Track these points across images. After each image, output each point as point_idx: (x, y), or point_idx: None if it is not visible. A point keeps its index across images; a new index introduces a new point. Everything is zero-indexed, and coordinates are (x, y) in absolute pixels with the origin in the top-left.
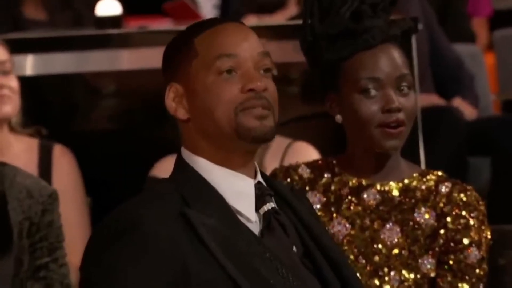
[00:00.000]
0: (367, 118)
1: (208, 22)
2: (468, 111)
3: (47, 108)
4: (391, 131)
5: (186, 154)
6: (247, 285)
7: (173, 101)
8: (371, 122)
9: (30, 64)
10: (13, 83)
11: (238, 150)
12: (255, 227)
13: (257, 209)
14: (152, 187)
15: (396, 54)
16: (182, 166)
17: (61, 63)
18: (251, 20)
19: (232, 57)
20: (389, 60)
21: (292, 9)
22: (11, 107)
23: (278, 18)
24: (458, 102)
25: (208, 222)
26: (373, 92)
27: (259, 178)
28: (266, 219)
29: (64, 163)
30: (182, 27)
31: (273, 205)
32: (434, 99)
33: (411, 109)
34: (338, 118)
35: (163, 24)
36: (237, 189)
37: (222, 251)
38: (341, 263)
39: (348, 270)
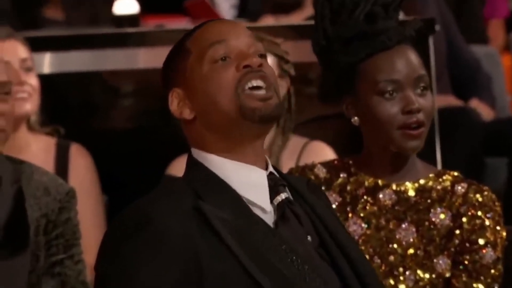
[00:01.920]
0: (388, 120)
1: (197, 26)
2: (485, 112)
3: (64, 106)
4: (413, 132)
5: (196, 153)
6: (262, 278)
7: (177, 105)
8: (391, 124)
9: (47, 62)
10: (34, 81)
11: (247, 135)
12: (269, 218)
13: (271, 200)
14: (165, 184)
15: (412, 55)
16: (193, 165)
17: (79, 61)
18: (268, 20)
19: (223, 42)
20: (406, 61)
21: (309, 10)
22: (31, 105)
23: (295, 19)
24: (475, 103)
25: (222, 215)
26: (392, 94)
27: (271, 169)
28: (280, 209)
29: (80, 162)
30: None
31: (287, 195)
32: (451, 100)
33: (430, 109)
34: (355, 120)
35: (181, 23)
36: (250, 181)
37: (236, 243)
38: (357, 257)
39: (365, 264)
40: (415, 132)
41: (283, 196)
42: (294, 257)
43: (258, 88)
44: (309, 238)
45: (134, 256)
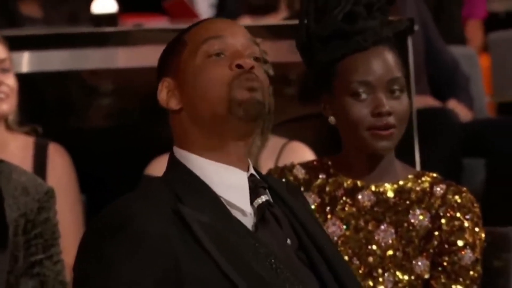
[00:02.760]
0: (357, 121)
1: (198, 22)
2: (463, 113)
3: (42, 105)
4: (381, 132)
5: (178, 152)
6: (240, 281)
7: (166, 94)
8: (361, 125)
9: (26, 61)
10: (11, 81)
11: (231, 132)
12: (249, 221)
13: (251, 202)
14: (145, 184)
15: (389, 57)
16: (174, 164)
17: (57, 60)
18: (246, 20)
19: (219, 38)
20: (381, 63)
21: (283, 13)
22: (8, 105)
23: (271, 21)
24: (453, 104)
25: (201, 218)
26: (363, 95)
27: (252, 171)
28: (260, 212)
29: (58, 161)
30: (178, 25)
31: (267, 198)
32: (429, 101)
33: (402, 113)
34: (332, 119)
35: (159, 22)
36: (230, 182)
37: (215, 248)
38: (335, 259)
39: (343, 266)
40: (384, 133)
41: (263, 198)
42: (273, 260)
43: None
44: (288, 241)
45: (113, 256)
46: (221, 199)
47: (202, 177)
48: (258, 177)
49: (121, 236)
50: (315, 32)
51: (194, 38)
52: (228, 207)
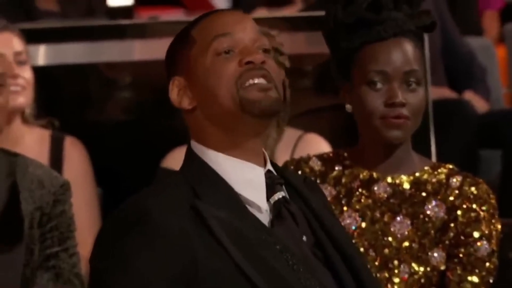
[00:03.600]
0: (371, 110)
1: (203, 15)
2: (479, 104)
3: (58, 98)
4: (393, 121)
5: (195, 146)
6: (256, 277)
7: (177, 94)
8: (374, 114)
9: (42, 54)
10: (28, 74)
11: (246, 129)
12: (265, 217)
13: (267, 198)
14: (163, 179)
15: (409, 49)
16: (191, 159)
17: (73, 53)
18: (263, 12)
19: (228, 36)
20: (400, 54)
21: (298, 5)
22: (25, 98)
23: (287, 13)
24: (469, 95)
25: (218, 214)
26: (379, 85)
27: (269, 167)
28: (276, 208)
29: (74, 155)
30: (194, 17)
31: (284, 194)
32: (445, 92)
33: (417, 106)
34: (348, 107)
35: (175, 15)
36: (247, 178)
37: (232, 243)
38: (352, 254)
39: (360, 262)
40: (396, 121)
41: (279, 195)
42: (289, 257)
43: (257, 85)
44: (304, 238)
45: (131, 250)
46: (238, 195)
47: (219, 173)
48: (275, 172)
49: (138, 230)
50: (341, 19)
51: (202, 36)
52: (245, 203)
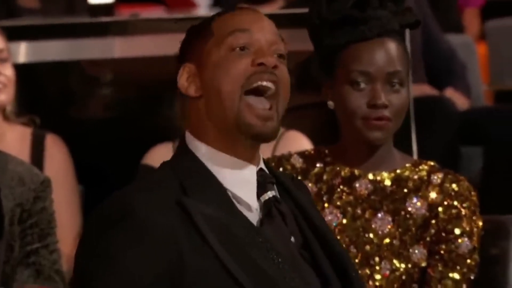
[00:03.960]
0: (353, 110)
1: (227, 10)
2: (460, 101)
3: (40, 96)
4: (374, 122)
5: (190, 139)
6: (242, 275)
7: (186, 80)
8: (356, 114)
9: (23, 52)
10: (9, 71)
11: (241, 142)
12: (255, 216)
13: (258, 197)
14: (151, 174)
15: (393, 49)
16: (184, 152)
17: (54, 50)
18: None
19: (245, 32)
20: (384, 54)
21: (279, 2)
22: (6, 95)
23: (267, 10)
24: (450, 93)
25: (205, 211)
26: (362, 85)
27: (262, 165)
28: (267, 207)
29: (56, 152)
30: (175, 14)
31: (274, 193)
32: (426, 90)
33: (399, 107)
34: (330, 104)
35: (156, 12)
36: (239, 176)
37: (218, 241)
38: (340, 254)
39: (349, 262)
40: (377, 123)
41: (270, 194)
42: (275, 256)
43: (264, 89)
44: (292, 238)
45: (116, 247)
46: (228, 192)
47: (211, 168)
48: (267, 171)
49: (123, 226)
50: (326, 15)
51: (221, 28)
52: (234, 201)
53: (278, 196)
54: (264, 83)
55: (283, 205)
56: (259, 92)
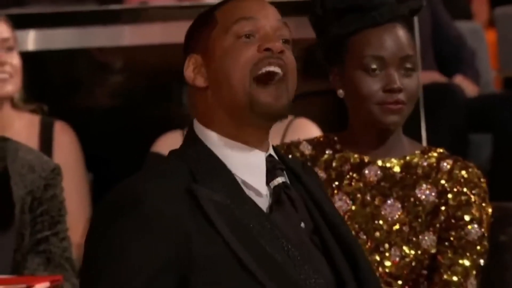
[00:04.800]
0: (368, 95)
1: None
2: (469, 88)
3: (48, 84)
4: (391, 106)
5: (198, 128)
6: (250, 261)
7: (192, 71)
8: (371, 99)
9: (32, 40)
10: (16, 60)
11: (252, 124)
12: (264, 202)
13: (267, 183)
14: (160, 162)
15: (403, 34)
16: (192, 140)
17: (63, 38)
18: None
19: (251, 20)
20: (395, 39)
21: None
22: (13, 85)
23: None
24: (459, 79)
25: (215, 198)
26: (376, 70)
27: (271, 151)
28: (276, 193)
29: (64, 139)
30: (184, 2)
31: (284, 179)
32: (435, 76)
33: (413, 91)
34: (340, 93)
35: (164, 0)
36: (248, 162)
37: (227, 227)
38: (350, 241)
39: (359, 250)
40: (394, 107)
41: (279, 180)
42: (285, 243)
43: (273, 74)
44: (302, 224)
45: (124, 234)
46: (237, 178)
47: (220, 155)
48: (276, 157)
49: (132, 214)
50: (331, 4)
51: (225, 17)
52: (244, 187)
53: (288, 182)
54: (272, 68)
55: (292, 191)
56: (267, 78)
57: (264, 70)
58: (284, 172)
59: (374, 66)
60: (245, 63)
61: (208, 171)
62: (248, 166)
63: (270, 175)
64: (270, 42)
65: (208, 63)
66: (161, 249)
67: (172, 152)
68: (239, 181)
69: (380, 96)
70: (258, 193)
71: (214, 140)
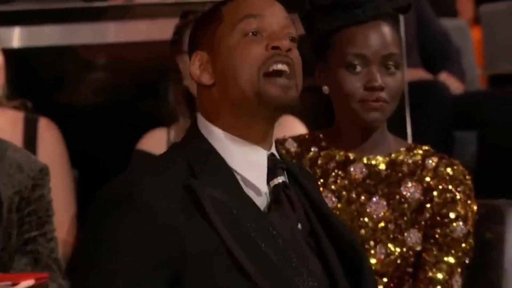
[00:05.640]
0: (349, 93)
1: None
2: (454, 86)
3: (33, 81)
4: (372, 104)
5: (202, 123)
6: (245, 260)
7: (198, 68)
8: (353, 97)
9: (17, 36)
10: None
11: (259, 117)
12: (263, 200)
13: (268, 181)
14: (159, 157)
15: (387, 32)
16: (195, 134)
17: (48, 35)
18: None
19: (258, 17)
20: (378, 37)
21: None
22: None
23: None
24: (444, 77)
25: (214, 194)
26: (358, 68)
27: (274, 150)
28: (275, 192)
29: (49, 136)
30: (169, 0)
31: (284, 179)
32: (420, 74)
33: (395, 89)
34: (325, 89)
35: None
36: (250, 159)
37: (224, 224)
38: (352, 243)
39: (360, 250)
40: (375, 104)
41: (280, 179)
42: (281, 242)
43: (281, 72)
44: (299, 225)
45: (118, 229)
46: (237, 176)
47: (222, 152)
48: (278, 156)
49: (128, 210)
50: (318, 0)
51: (232, 14)
52: (243, 185)
53: (288, 182)
54: (280, 66)
55: (292, 191)
56: (275, 75)
57: (272, 69)
58: (285, 172)
59: (356, 64)
60: (254, 61)
61: (207, 168)
62: (250, 163)
63: (271, 174)
64: (278, 41)
65: (214, 60)
66: (155, 245)
67: (173, 145)
68: (239, 179)
69: (361, 93)
70: (258, 191)
71: (217, 136)
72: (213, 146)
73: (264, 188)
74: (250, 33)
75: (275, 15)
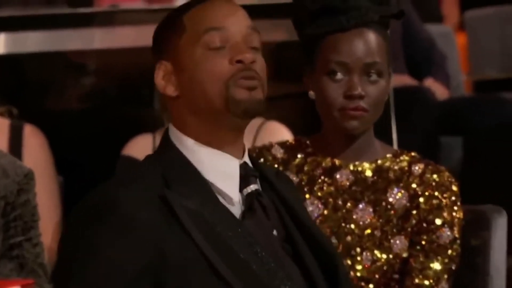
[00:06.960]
0: (329, 101)
1: (197, 0)
2: (439, 91)
3: (18, 87)
4: (351, 112)
5: (173, 133)
6: (225, 269)
7: (163, 79)
8: (333, 105)
9: (2, 43)
10: None
11: (228, 125)
12: (237, 209)
13: (240, 190)
14: (134, 166)
15: (372, 40)
16: (167, 145)
17: (33, 41)
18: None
19: (220, 30)
20: (362, 45)
21: None
22: None
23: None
24: (430, 82)
25: (188, 204)
26: (339, 75)
27: (246, 158)
28: (249, 200)
29: (34, 143)
30: (154, 6)
31: (257, 187)
32: (406, 80)
33: (377, 98)
34: (311, 94)
35: (134, 3)
36: (222, 169)
37: (200, 234)
38: (326, 247)
39: (335, 253)
40: (354, 112)
41: (252, 187)
42: (258, 250)
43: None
44: (274, 232)
45: (100, 239)
46: (211, 185)
47: (194, 162)
48: (251, 164)
49: (107, 221)
50: (307, 6)
51: (194, 25)
52: (217, 194)
53: (260, 189)
54: (246, 83)
55: (265, 198)
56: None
57: (239, 85)
58: (257, 180)
59: (337, 71)
60: (220, 76)
61: (181, 177)
62: (222, 173)
63: (244, 182)
64: (242, 53)
65: (178, 72)
66: (137, 254)
67: (147, 157)
68: (213, 188)
69: (341, 102)
70: (231, 200)
71: (188, 146)
72: (185, 156)
73: (236, 197)
74: (214, 48)
75: (237, 24)
